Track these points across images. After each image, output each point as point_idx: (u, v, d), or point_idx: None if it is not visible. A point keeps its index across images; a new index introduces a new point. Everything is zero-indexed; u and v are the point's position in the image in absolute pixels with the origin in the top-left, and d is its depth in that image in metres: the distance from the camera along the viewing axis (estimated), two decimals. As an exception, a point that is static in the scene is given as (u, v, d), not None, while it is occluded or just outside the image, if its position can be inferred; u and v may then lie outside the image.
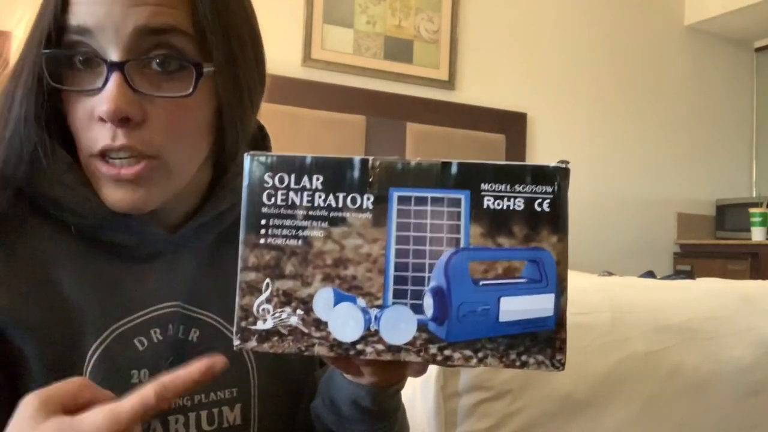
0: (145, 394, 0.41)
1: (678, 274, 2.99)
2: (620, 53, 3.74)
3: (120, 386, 0.54)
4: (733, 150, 4.17)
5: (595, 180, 3.57)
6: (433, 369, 1.02)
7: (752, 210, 3.65)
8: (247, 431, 0.62)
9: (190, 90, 0.54)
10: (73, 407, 0.41)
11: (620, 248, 3.55)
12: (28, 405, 0.41)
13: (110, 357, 0.55)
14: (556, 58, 3.55)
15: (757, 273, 3.35)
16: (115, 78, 0.51)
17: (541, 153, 3.46)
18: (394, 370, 0.48)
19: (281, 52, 2.84)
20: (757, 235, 3.59)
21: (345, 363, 0.50)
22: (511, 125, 3.33)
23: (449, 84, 3.23)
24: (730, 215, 3.87)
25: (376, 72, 3.06)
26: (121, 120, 0.52)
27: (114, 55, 0.52)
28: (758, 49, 4.23)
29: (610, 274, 2.51)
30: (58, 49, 0.53)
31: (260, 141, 0.68)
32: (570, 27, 3.59)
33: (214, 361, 0.43)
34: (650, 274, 2.59)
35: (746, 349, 1.30)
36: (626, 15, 3.77)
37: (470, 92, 3.29)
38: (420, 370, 0.47)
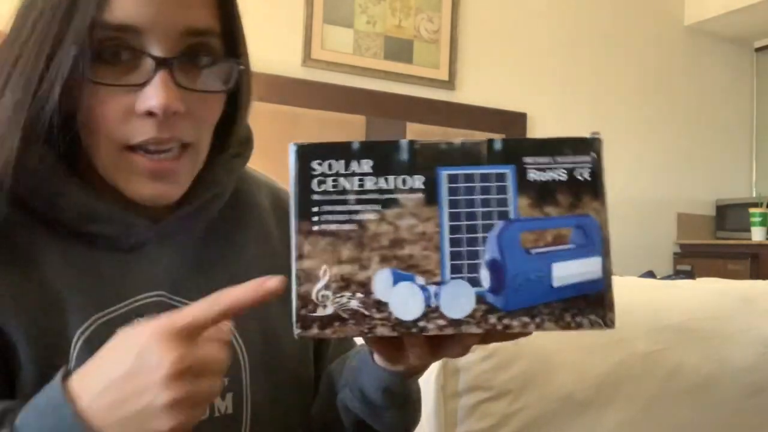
0: (209, 301, 0.45)
1: (678, 274, 2.99)
2: (620, 53, 3.74)
3: None
4: (733, 150, 4.16)
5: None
6: (433, 369, 1.02)
7: (752, 210, 3.65)
8: (239, 421, 0.62)
9: (231, 84, 0.59)
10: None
11: (620, 248, 3.52)
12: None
13: (93, 347, 0.54)
14: (556, 58, 3.55)
15: (757, 273, 3.35)
16: (162, 74, 0.53)
17: (541, 153, 3.46)
18: (437, 350, 0.49)
19: (281, 52, 2.84)
20: (757, 235, 3.59)
21: (392, 350, 0.51)
22: (511, 125, 3.33)
23: (449, 84, 3.23)
24: (730, 215, 3.87)
25: (376, 72, 3.06)
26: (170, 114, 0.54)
27: (159, 52, 0.54)
28: (758, 49, 4.23)
29: (610, 274, 2.50)
30: (108, 44, 0.53)
31: (245, 141, 0.69)
32: (570, 27, 3.59)
33: (267, 279, 0.45)
34: (650, 274, 2.59)
35: (746, 349, 1.30)
36: (626, 15, 3.77)
37: (470, 92, 3.29)
38: (467, 348, 0.48)
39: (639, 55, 3.80)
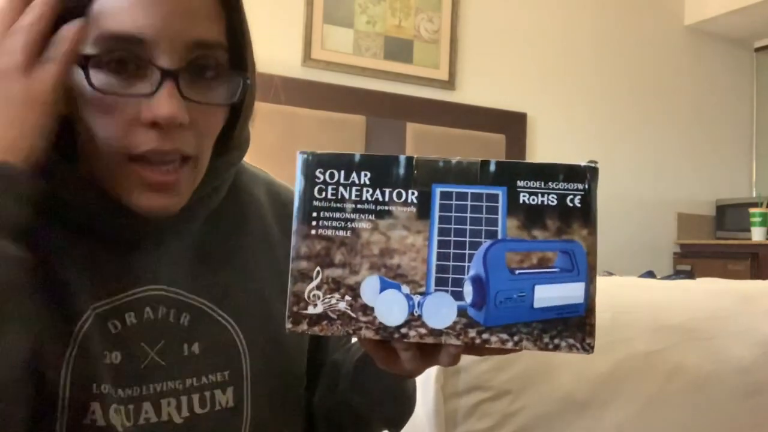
0: None
1: (678, 274, 2.98)
2: (620, 53, 3.74)
3: (94, 367, 0.55)
4: (733, 150, 4.17)
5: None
6: (433, 369, 1.03)
7: (752, 210, 3.65)
8: (240, 413, 0.63)
9: (236, 98, 0.58)
10: None
11: (620, 248, 3.54)
12: None
13: (87, 338, 0.56)
14: (556, 58, 3.55)
15: (757, 273, 3.35)
16: (169, 85, 0.53)
17: (541, 153, 3.46)
18: (429, 357, 0.51)
19: (281, 52, 2.84)
20: (757, 235, 3.59)
21: (385, 353, 0.53)
22: (511, 125, 3.33)
23: (449, 84, 3.23)
24: (730, 215, 3.87)
25: (376, 72, 3.06)
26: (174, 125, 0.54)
27: (165, 64, 0.53)
28: (758, 49, 4.23)
29: (610, 274, 2.50)
30: (115, 54, 0.53)
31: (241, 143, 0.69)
32: (570, 27, 3.59)
33: None
34: (650, 274, 2.59)
35: (746, 349, 1.30)
36: (626, 15, 3.77)
37: (470, 92, 3.29)
38: (454, 357, 0.50)
39: (639, 55, 3.80)
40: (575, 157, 3.51)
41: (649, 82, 3.84)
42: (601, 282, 1.66)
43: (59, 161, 0.56)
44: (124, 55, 0.54)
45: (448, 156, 0.48)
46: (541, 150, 3.45)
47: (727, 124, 4.13)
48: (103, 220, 0.58)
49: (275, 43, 2.81)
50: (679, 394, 1.20)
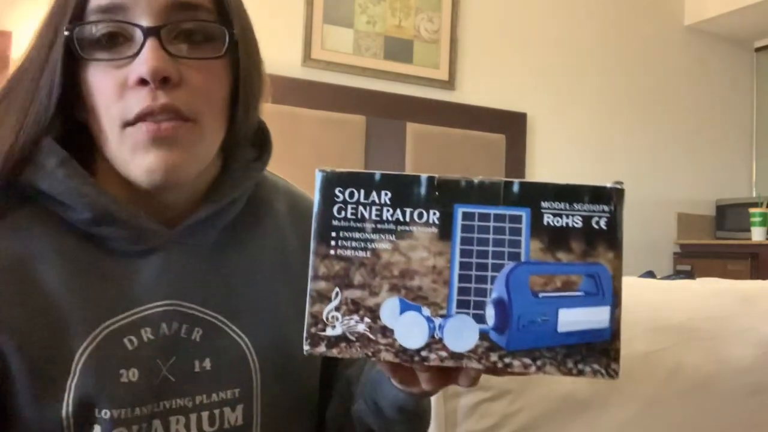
0: None
1: (678, 274, 2.98)
2: (620, 53, 3.74)
3: (110, 385, 0.54)
4: (733, 150, 4.17)
5: (594, 180, 3.53)
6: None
7: (752, 210, 3.65)
8: (249, 431, 0.62)
9: (222, 52, 0.58)
10: None
11: (620, 248, 3.54)
12: None
13: (100, 355, 0.55)
14: (556, 58, 3.55)
15: (757, 273, 3.35)
16: (151, 42, 0.54)
17: (541, 153, 3.46)
18: (448, 378, 0.50)
19: (281, 52, 2.84)
20: (757, 235, 3.59)
21: (404, 373, 0.52)
22: (511, 125, 3.33)
23: (449, 84, 3.23)
24: (730, 215, 3.87)
25: (376, 72, 3.06)
26: (162, 80, 0.54)
27: (146, 23, 0.55)
28: (758, 49, 4.23)
29: (610, 274, 2.50)
30: (101, 26, 0.55)
31: (261, 136, 0.69)
32: (570, 27, 3.59)
33: None
34: (650, 274, 2.59)
35: (746, 349, 1.30)
36: (626, 15, 3.77)
37: (470, 92, 3.29)
38: (474, 379, 0.49)
39: (639, 55, 3.80)
40: (575, 156, 3.52)
41: (649, 82, 3.84)
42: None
43: (77, 166, 0.57)
44: (110, 25, 0.55)
45: (470, 175, 0.46)
46: (541, 150, 3.45)
47: (727, 124, 4.13)
48: (116, 228, 0.57)
49: (275, 43, 2.81)
50: (679, 394, 1.20)
